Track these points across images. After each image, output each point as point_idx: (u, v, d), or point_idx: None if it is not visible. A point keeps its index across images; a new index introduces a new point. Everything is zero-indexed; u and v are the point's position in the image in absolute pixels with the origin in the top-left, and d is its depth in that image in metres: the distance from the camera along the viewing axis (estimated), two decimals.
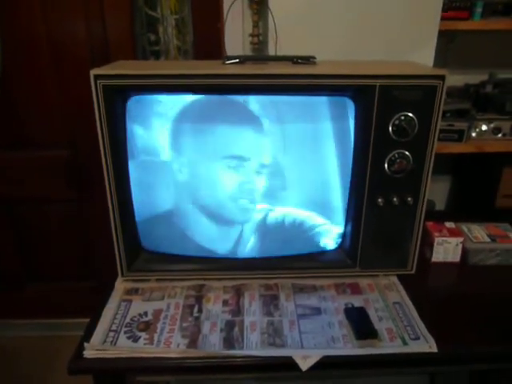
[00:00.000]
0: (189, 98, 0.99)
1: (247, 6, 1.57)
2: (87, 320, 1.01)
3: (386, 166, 1.00)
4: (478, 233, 1.28)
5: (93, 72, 0.91)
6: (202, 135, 1.02)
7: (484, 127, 1.56)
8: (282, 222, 1.09)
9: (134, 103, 0.96)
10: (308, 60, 1.05)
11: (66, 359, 0.90)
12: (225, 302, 1.06)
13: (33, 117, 1.81)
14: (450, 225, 1.28)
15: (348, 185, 1.05)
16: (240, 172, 1.04)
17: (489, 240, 1.25)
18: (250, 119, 1.00)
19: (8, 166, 1.88)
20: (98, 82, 0.91)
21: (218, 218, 1.09)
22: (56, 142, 1.85)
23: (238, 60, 1.05)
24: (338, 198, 1.07)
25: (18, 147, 1.85)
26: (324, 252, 1.12)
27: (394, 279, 1.15)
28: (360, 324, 0.98)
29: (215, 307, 1.04)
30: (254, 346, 0.92)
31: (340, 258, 1.11)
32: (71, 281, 2.12)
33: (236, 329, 0.97)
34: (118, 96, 0.94)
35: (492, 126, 1.56)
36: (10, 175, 1.89)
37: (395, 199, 1.03)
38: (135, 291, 1.10)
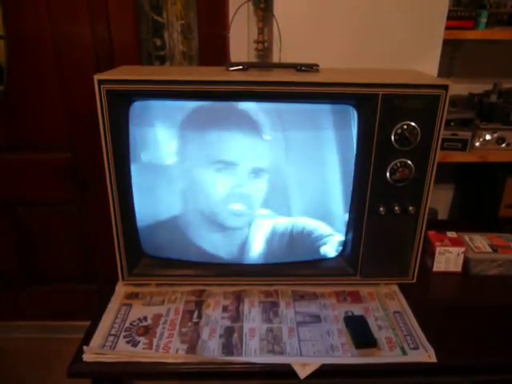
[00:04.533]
0: (189, 104, 0.99)
1: (252, 12, 1.58)
2: (88, 322, 1.01)
3: (387, 174, 1.00)
4: (480, 243, 1.27)
5: (97, 77, 0.91)
6: (195, 141, 1.02)
7: (488, 137, 1.56)
8: (291, 230, 1.09)
9: (137, 108, 0.97)
10: (311, 68, 1.05)
11: (66, 362, 0.90)
12: (224, 308, 1.06)
13: (35, 119, 1.81)
14: (451, 234, 1.27)
15: (349, 193, 1.05)
16: (229, 175, 1.04)
17: (490, 250, 1.24)
18: (244, 124, 1.00)
19: (9, 168, 1.89)
20: (102, 86, 0.91)
21: (215, 223, 1.09)
22: (58, 144, 1.85)
23: (241, 67, 1.05)
24: (339, 206, 1.07)
25: (20, 149, 1.86)
26: (324, 260, 1.12)
27: (395, 288, 1.14)
28: (359, 333, 0.97)
29: (215, 313, 1.04)
30: (252, 353, 0.92)
31: (341, 266, 1.11)
32: (72, 283, 2.12)
33: (235, 335, 0.97)
34: (122, 101, 0.94)
35: (496, 135, 1.56)
36: (11, 177, 1.90)
37: (397, 208, 1.02)
38: (135, 295, 1.10)
